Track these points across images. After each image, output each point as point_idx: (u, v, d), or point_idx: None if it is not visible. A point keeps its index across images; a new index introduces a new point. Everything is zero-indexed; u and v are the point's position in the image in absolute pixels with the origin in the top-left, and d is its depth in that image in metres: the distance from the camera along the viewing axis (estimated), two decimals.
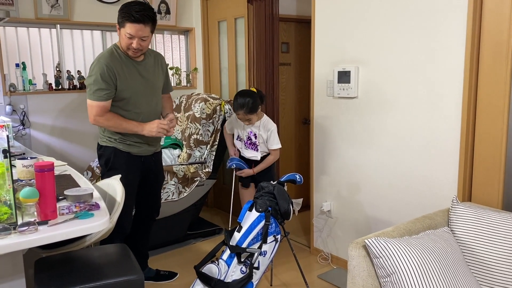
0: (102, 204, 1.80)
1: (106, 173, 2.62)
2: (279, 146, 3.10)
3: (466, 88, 2.38)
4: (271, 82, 3.92)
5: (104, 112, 2.49)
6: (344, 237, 3.24)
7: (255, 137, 3.11)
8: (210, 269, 2.43)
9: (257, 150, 3.13)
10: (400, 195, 2.81)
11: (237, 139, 3.25)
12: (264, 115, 3.14)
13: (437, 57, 2.50)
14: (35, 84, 3.78)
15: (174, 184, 3.52)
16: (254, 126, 3.09)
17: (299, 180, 2.69)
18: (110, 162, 2.61)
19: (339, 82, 3.06)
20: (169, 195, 3.51)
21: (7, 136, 1.54)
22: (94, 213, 1.69)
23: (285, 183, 2.70)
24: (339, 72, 3.04)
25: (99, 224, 1.59)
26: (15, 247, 1.43)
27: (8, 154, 1.51)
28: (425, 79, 2.58)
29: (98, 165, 3.66)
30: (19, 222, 1.56)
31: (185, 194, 3.56)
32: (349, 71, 2.98)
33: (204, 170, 3.70)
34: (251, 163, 3.17)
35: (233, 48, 4.19)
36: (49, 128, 3.85)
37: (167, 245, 3.73)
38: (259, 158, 3.12)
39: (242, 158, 3.21)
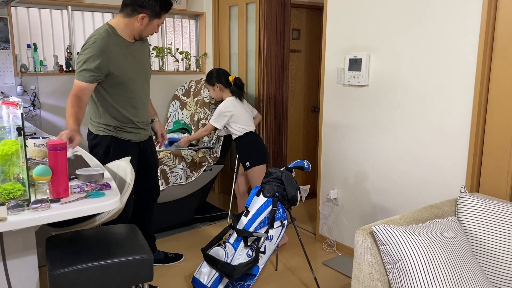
0: (113, 184, 1.82)
1: (107, 162, 2.59)
2: (213, 122, 3.36)
3: (478, 78, 2.37)
4: (281, 69, 3.91)
5: (82, 94, 2.33)
6: (350, 225, 3.26)
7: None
8: (217, 251, 2.46)
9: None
10: (408, 184, 2.81)
11: None
12: (227, 99, 3.39)
13: (450, 46, 2.48)
14: (46, 65, 3.80)
15: (182, 168, 3.55)
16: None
17: (307, 166, 2.69)
18: (110, 151, 2.55)
19: (350, 70, 3.04)
20: (177, 179, 3.54)
21: (21, 114, 1.56)
22: (105, 193, 1.71)
23: (293, 170, 2.71)
24: (350, 60, 3.03)
25: (110, 203, 1.61)
26: (28, 223, 1.46)
27: (22, 132, 1.53)
28: (437, 69, 2.56)
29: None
30: (32, 199, 1.59)
31: (193, 178, 3.59)
32: (360, 59, 2.96)
33: (212, 155, 3.72)
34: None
35: (243, 34, 4.17)
36: (60, 109, 3.87)
37: (174, 228, 3.77)
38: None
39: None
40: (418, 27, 2.63)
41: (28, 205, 1.53)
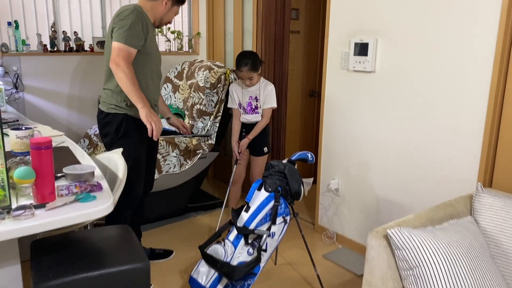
0: (104, 184, 1.65)
1: (117, 141, 2.46)
2: (275, 105, 3.21)
3: (496, 68, 2.21)
4: (280, 51, 3.71)
5: (130, 60, 2.32)
6: (351, 217, 3.13)
7: (256, 100, 3.20)
8: (216, 250, 2.32)
9: (258, 113, 3.23)
10: (414, 176, 2.68)
11: (239, 108, 3.28)
12: (262, 77, 3.24)
13: (467, 33, 2.31)
14: (29, 44, 3.55)
15: (175, 156, 3.37)
16: (253, 89, 3.19)
17: (311, 159, 2.54)
18: (121, 129, 2.45)
19: (355, 54, 2.86)
20: (170, 168, 3.36)
21: None
22: (97, 195, 1.54)
23: (296, 162, 2.55)
24: (356, 44, 2.85)
25: (102, 209, 1.44)
26: (8, 235, 1.28)
27: (0, 129, 1.34)
28: (452, 56, 2.39)
29: (96, 132, 3.48)
30: (14, 205, 1.41)
31: (187, 166, 3.42)
32: (367, 43, 2.78)
33: (207, 142, 3.54)
34: (250, 129, 3.25)
35: (239, 12, 3.94)
36: (44, 92, 3.64)
37: (166, 218, 3.61)
38: (260, 118, 3.23)
39: (243, 124, 3.29)
40: (432, 11, 2.44)
41: (8, 213, 1.36)
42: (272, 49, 3.69)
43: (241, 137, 3.27)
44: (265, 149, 3.32)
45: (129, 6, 2.39)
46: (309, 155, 2.55)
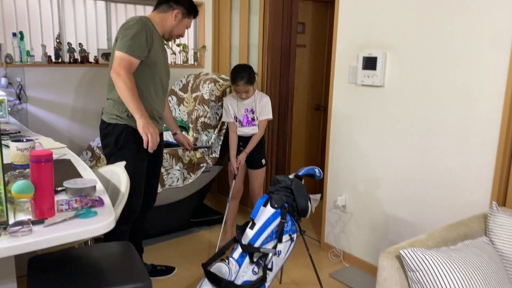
0: (106, 199, 1.58)
1: (116, 153, 2.43)
2: (271, 116, 3.18)
3: (510, 81, 2.15)
4: (287, 65, 3.67)
5: (131, 70, 2.29)
6: (359, 235, 3.05)
7: (253, 112, 3.16)
8: (220, 268, 2.24)
9: (255, 125, 3.18)
10: (424, 194, 2.60)
11: (235, 121, 3.24)
12: (256, 89, 3.20)
13: (479, 45, 2.26)
14: (33, 55, 3.51)
15: (179, 170, 3.31)
16: (249, 101, 3.14)
17: (319, 174, 2.47)
18: (121, 140, 2.41)
19: (364, 68, 2.82)
20: (173, 181, 3.29)
21: None
22: (98, 211, 1.47)
23: (303, 177, 2.48)
24: (365, 58, 2.80)
25: (103, 225, 1.38)
26: (4, 253, 1.21)
27: None
28: (463, 70, 2.34)
29: (99, 144, 3.43)
30: (11, 220, 1.35)
31: (190, 180, 3.36)
32: (376, 57, 2.73)
33: (211, 156, 3.48)
34: (247, 142, 3.20)
35: (245, 26, 3.91)
36: (47, 103, 3.60)
37: (168, 233, 3.54)
38: (257, 130, 3.18)
39: (240, 137, 3.22)
40: (443, 24, 2.40)
41: (5, 229, 1.29)
42: (278, 63, 3.65)
43: (238, 151, 3.22)
44: (263, 161, 3.28)
45: (135, 17, 2.37)
46: (317, 171, 2.48)
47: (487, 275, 1.64)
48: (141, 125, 2.25)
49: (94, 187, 1.64)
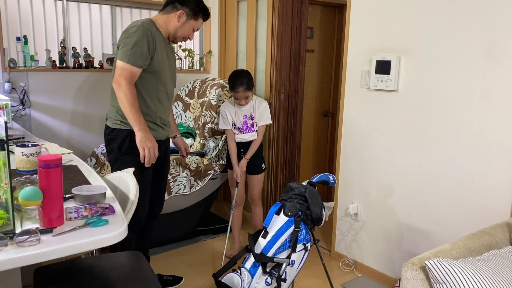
0: (117, 207, 1.50)
1: (120, 158, 2.36)
2: (270, 121, 3.13)
3: None
4: (296, 71, 3.60)
5: (132, 81, 2.24)
6: (371, 244, 2.96)
7: (252, 118, 3.10)
8: (232, 279, 2.15)
9: (255, 131, 3.12)
10: (439, 202, 2.52)
11: (233, 128, 3.16)
12: (253, 95, 3.15)
13: (497, 48, 2.19)
14: (37, 60, 3.45)
15: (186, 177, 3.23)
16: (247, 107, 3.08)
17: (333, 181, 2.39)
18: (125, 146, 2.34)
19: (376, 72, 2.75)
20: (180, 188, 3.21)
21: (5, 122, 1.24)
22: (109, 219, 1.39)
23: (316, 185, 2.40)
24: (378, 62, 2.73)
25: (116, 234, 1.30)
26: (10, 265, 1.13)
27: (6, 146, 1.21)
28: (481, 74, 2.27)
29: (104, 151, 3.36)
30: (18, 229, 1.27)
31: (197, 187, 3.27)
32: (390, 61, 2.67)
33: (218, 163, 3.40)
34: (247, 148, 3.14)
35: (253, 31, 3.85)
36: (51, 109, 3.53)
37: (175, 242, 3.45)
38: (256, 136, 3.12)
39: (239, 143, 3.15)
40: (461, 25, 2.33)
41: (12, 238, 1.21)
42: (287, 68, 3.58)
43: (238, 158, 3.15)
44: (263, 165, 3.21)
45: (137, 22, 2.30)
46: (331, 177, 2.40)
47: None
48: (139, 139, 2.20)
49: (104, 194, 1.56)
